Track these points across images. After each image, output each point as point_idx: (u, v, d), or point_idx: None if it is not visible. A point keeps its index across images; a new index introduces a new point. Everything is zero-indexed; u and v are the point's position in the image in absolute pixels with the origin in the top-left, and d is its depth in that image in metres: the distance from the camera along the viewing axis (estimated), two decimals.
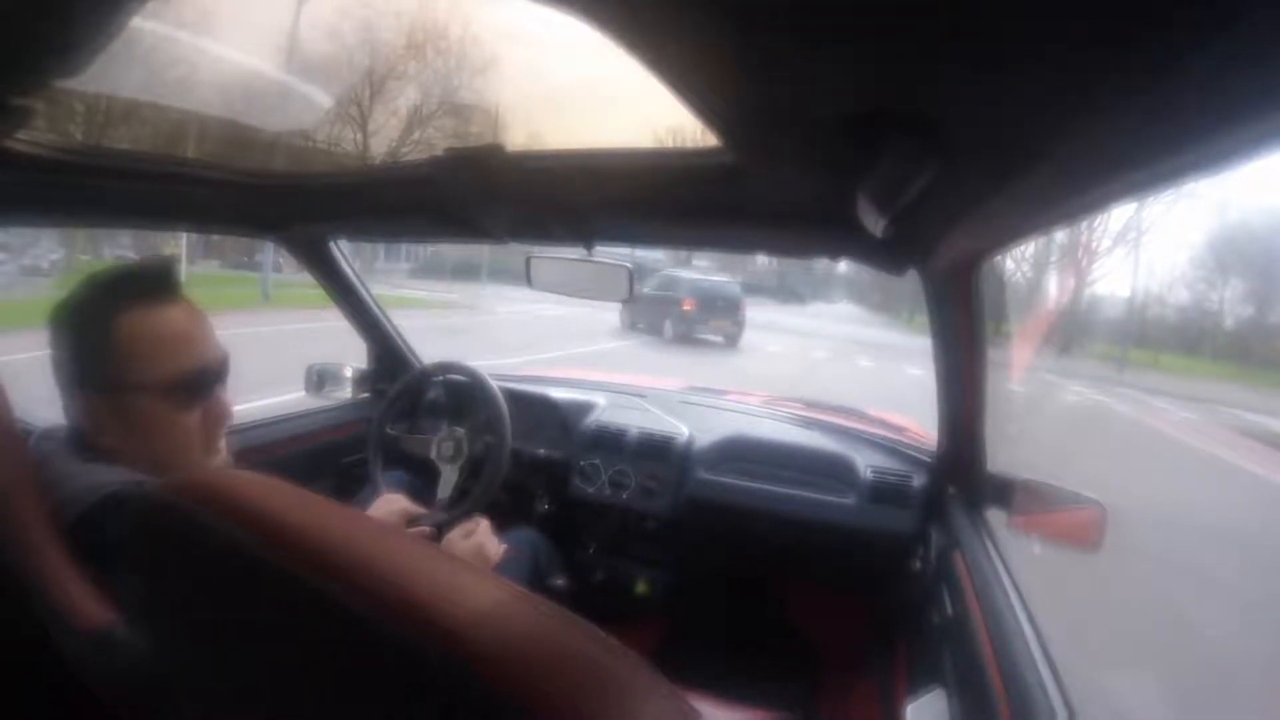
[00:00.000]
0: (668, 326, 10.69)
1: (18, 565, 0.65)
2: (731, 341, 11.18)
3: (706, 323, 10.81)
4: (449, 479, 1.48)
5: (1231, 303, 19.92)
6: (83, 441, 0.78)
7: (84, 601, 0.63)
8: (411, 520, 1.22)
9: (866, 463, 1.47)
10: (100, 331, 0.74)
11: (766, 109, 0.52)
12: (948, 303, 1.02)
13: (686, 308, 10.60)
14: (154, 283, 0.78)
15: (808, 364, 10.10)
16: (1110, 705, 2.12)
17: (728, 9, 0.37)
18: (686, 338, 10.71)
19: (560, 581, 1.52)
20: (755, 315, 16.86)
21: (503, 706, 0.27)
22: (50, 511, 0.70)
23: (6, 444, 0.70)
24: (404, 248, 20.20)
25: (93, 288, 0.77)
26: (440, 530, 1.14)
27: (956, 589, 1.00)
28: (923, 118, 0.47)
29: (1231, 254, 19.39)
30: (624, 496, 1.54)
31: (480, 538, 1.11)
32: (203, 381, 0.79)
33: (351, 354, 1.80)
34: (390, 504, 1.21)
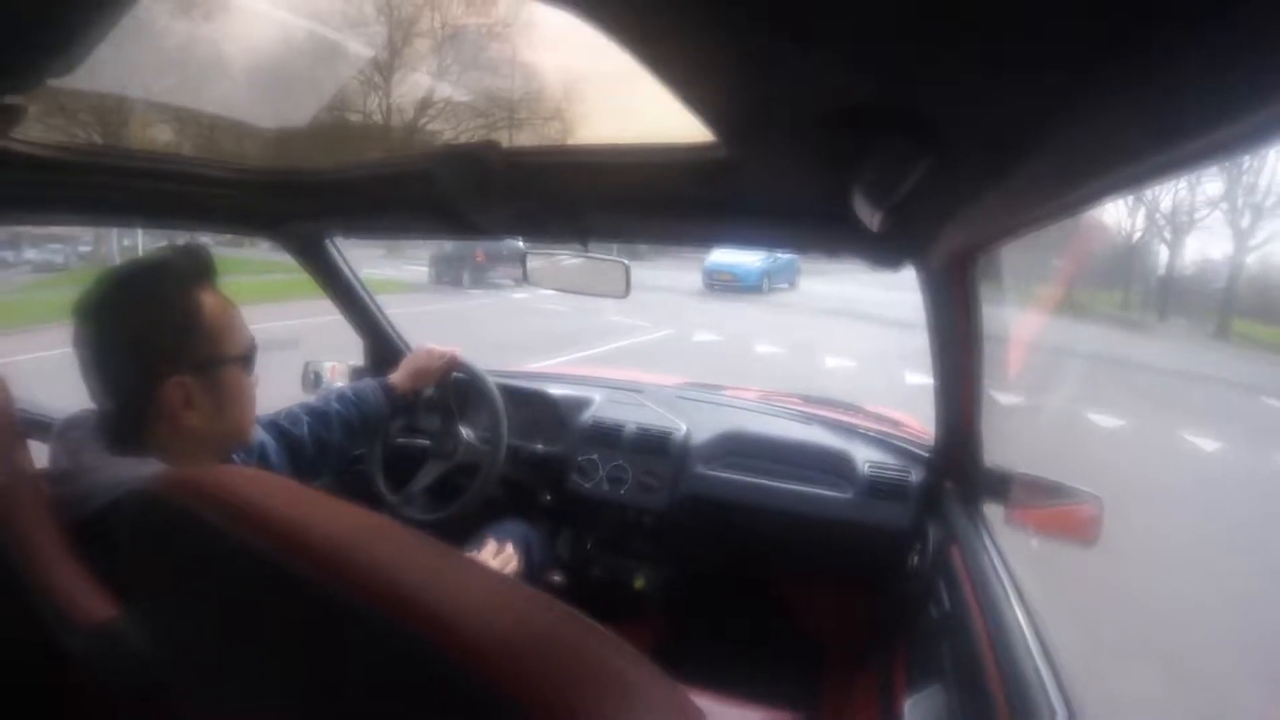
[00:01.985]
0: (465, 276, 12.56)
1: (19, 562, 0.65)
2: (519, 283, 12.46)
3: (496, 270, 12.43)
4: (439, 474, 1.48)
5: None
6: (136, 430, 0.78)
7: (85, 597, 0.64)
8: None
9: (864, 458, 1.47)
10: (189, 313, 0.79)
11: (762, 104, 0.52)
12: (945, 297, 1.03)
13: (479, 260, 12.47)
14: (210, 266, 0.84)
15: (892, 393, 5.35)
16: None
17: (723, 5, 0.37)
18: (480, 282, 12.39)
19: (555, 576, 1.52)
20: (829, 290, 12.56)
21: (499, 699, 0.27)
22: (66, 501, 0.70)
23: (8, 442, 0.70)
24: None
25: (156, 274, 0.80)
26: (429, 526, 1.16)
27: (954, 584, 1.00)
28: (917, 112, 0.47)
29: None
30: (621, 492, 1.55)
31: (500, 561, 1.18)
32: (256, 349, 0.87)
33: None
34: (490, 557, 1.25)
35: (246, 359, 0.85)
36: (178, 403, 0.78)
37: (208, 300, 0.81)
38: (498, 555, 1.19)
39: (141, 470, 0.74)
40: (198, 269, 0.82)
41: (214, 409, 0.81)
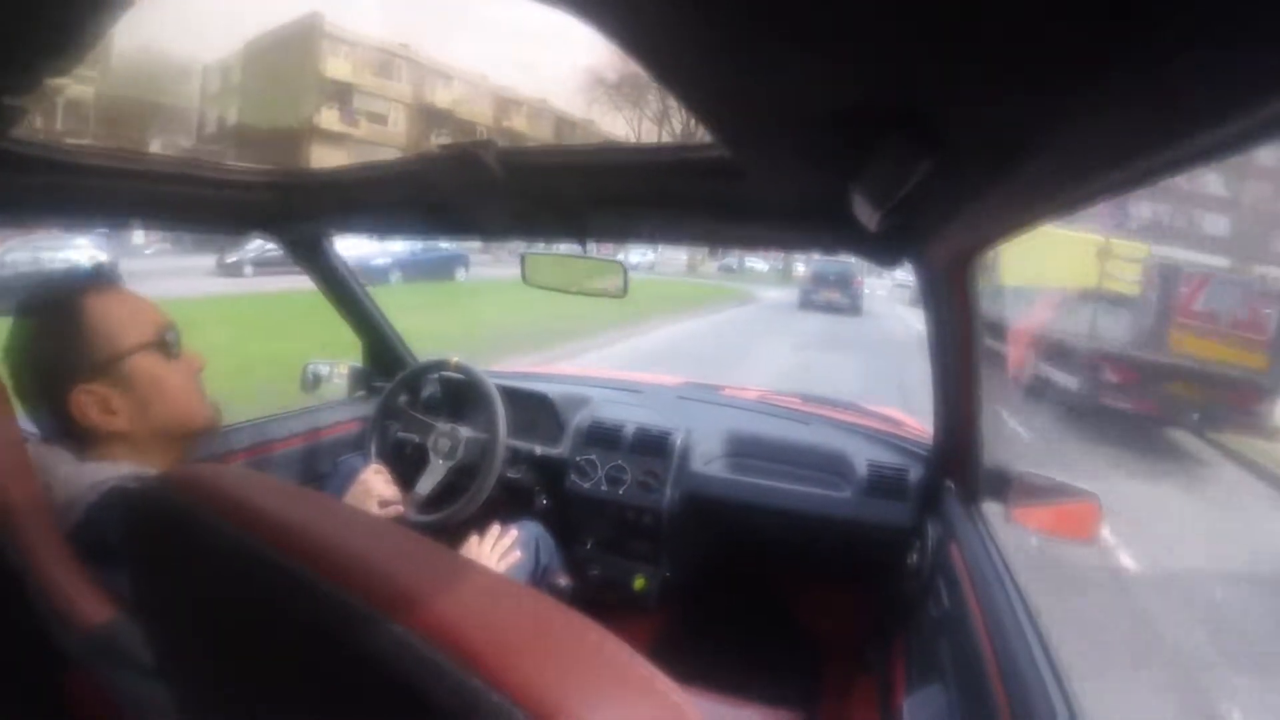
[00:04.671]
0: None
1: (19, 565, 0.65)
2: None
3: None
4: (435, 475, 1.48)
5: None
6: (82, 441, 0.78)
7: (84, 599, 0.64)
8: (385, 504, 1.25)
9: (863, 456, 1.47)
10: (80, 320, 0.78)
11: (761, 105, 0.52)
12: (944, 296, 1.03)
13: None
14: (101, 275, 0.85)
15: None
16: None
17: (723, 5, 0.37)
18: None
19: (563, 581, 1.52)
20: None
21: (497, 698, 0.27)
22: (54, 513, 0.70)
23: (8, 446, 0.70)
24: None
25: (37, 298, 0.80)
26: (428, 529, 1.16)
27: (953, 582, 1.01)
28: (917, 112, 0.47)
29: None
30: (620, 492, 1.55)
31: (495, 551, 1.17)
32: (175, 333, 0.85)
33: None
34: (375, 478, 1.26)
35: (160, 344, 0.82)
36: (94, 411, 0.77)
37: (93, 302, 0.79)
38: (498, 541, 1.19)
39: (116, 471, 0.74)
40: (83, 278, 0.83)
41: (138, 406, 0.80)
